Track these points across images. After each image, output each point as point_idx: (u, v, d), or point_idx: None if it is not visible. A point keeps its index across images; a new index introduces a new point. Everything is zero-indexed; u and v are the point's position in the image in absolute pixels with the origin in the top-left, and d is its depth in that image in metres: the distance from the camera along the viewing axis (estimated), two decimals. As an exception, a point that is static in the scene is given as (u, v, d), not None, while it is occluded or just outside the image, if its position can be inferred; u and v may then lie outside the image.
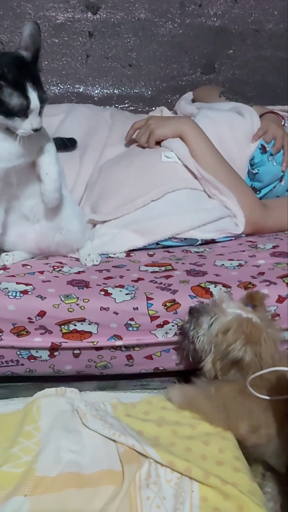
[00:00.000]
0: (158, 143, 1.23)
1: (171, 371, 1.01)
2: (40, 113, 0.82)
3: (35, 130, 0.82)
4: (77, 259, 1.09)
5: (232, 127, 1.26)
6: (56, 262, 1.06)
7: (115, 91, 1.78)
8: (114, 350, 0.95)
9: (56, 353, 0.94)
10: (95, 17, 1.67)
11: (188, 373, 1.03)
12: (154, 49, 1.75)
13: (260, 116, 1.31)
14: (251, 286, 0.98)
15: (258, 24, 1.77)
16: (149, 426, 0.80)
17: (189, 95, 1.60)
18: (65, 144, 1.29)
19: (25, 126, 0.81)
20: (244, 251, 1.12)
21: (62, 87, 1.77)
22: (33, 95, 0.79)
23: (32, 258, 1.06)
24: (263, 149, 1.24)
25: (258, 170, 1.24)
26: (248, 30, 1.77)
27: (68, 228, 1.04)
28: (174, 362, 0.99)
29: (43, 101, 0.81)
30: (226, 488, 0.70)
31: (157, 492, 0.70)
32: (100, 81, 1.77)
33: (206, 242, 1.18)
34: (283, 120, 1.40)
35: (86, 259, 1.05)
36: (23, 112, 0.80)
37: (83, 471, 0.72)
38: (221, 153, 1.21)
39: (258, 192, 1.29)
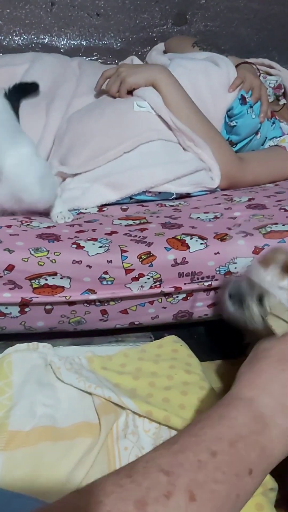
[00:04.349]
0: (130, 92, 1.17)
1: (147, 325, 0.99)
2: None
3: None
4: (46, 215, 1.03)
5: (207, 76, 1.21)
6: (24, 217, 1.00)
7: (82, 42, 1.68)
8: (88, 305, 0.92)
9: (27, 309, 0.89)
10: None
11: (164, 327, 1.01)
12: (123, -2, 1.65)
13: (236, 67, 1.26)
14: (227, 237, 0.96)
15: (232, -27, 1.69)
16: (126, 378, 0.78)
17: (160, 46, 1.53)
18: (26, 89, 1.21)
19: None
20: (219, 204, 1.09)
21: (25, 37, 1.65)
22: None
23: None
24: (243, 100, 1.19)
25: (237, 122, 1.20)
26: (221, -22, 1.69)
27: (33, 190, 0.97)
28: (150, 316, 0.97)
29: None
30: (205, 435, 0.69)
31: (135, 442, 0.68)
32: (66, 31, 1.67)
33: (181, 197, 1.15)
34: (257, 72, 1.36)
35: (57, 217, 1.00)
36: None
37: (58, 424, 0.69)
38: (195, 103, 1.16)
39: (234, 146, 1.25)
